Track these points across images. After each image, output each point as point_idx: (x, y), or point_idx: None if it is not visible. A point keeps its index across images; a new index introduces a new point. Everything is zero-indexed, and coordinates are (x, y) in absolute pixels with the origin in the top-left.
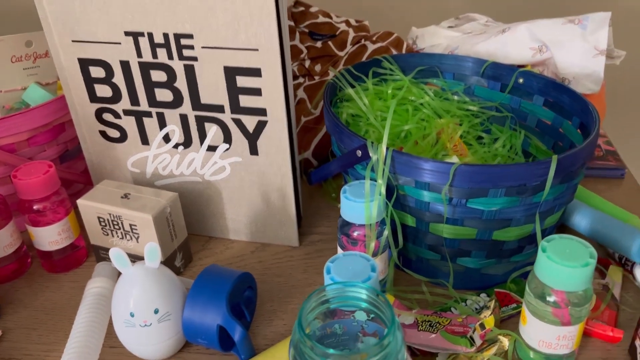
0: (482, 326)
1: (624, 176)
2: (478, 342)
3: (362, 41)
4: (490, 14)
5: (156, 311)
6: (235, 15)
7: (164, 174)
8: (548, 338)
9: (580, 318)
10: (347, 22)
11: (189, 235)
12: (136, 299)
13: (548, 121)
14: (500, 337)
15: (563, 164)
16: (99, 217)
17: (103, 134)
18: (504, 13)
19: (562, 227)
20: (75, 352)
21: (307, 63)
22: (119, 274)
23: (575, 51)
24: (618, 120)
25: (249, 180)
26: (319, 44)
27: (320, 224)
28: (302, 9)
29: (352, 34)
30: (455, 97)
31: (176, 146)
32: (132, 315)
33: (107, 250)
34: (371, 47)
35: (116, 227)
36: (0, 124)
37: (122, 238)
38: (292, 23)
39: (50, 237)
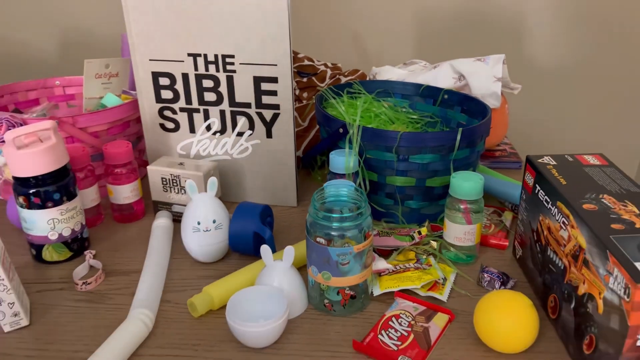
0: (419, 232)
1: (521, 167)
2: (416, 239)
3: (337, 76)
4: (427, 59)
5: (214, 221)
6: (263, 42)
7: (204, 154)
8: (459, 234)
9: (477, 220)
10: (325, 65)
11: None
12: (202, 213)
13: (463, 122)
14: (431, 241)
15: (465, 133)
16: (162, 178)
17: (162, 125)
18: (435, 57)
19: None
20: (155, 259)
21: (297, 92)
22: (173, 218)
23: (482, 79)
24: (520, 134)
25: (264, 157)
26: (305, 79)
27: (310, 195)
28: (292, 55)
29: (329, 72)
30: (403, 110)
31: (214, 133)
32: (198, 223)
33: (165, 204)
34: (343, 79)
35: (174, 184)
36: (92, 117)
37: (178, 193)
38: None
39: (125, 193)
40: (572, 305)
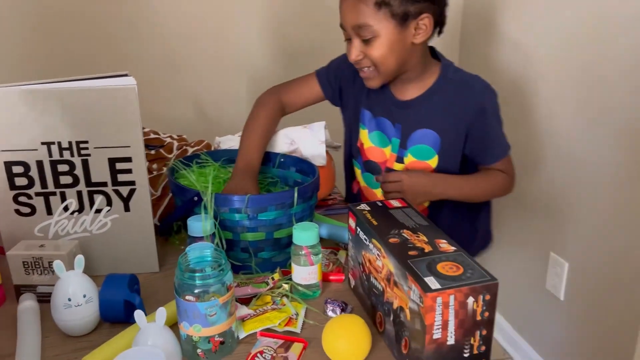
0: (273, 278)
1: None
2: (271, 284)
3: (184, 147)
4: None
5: (84, 296)
6: (117, 127)
7: (62, 234)
8: (304, 275)
9: (317, 261)
10: (171, 136)
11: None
12: (72, 290)
13: (299, 179)
14: (283, 284)
15: (301, 191)
16: (23, 262)
17: (17, 211)
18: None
19: None
20: (28, 341)
21: (147, 164)
22: (38, 299)
23: (309, 143)
24: None
25: (124, 229)
26: (152, 152)
27: (170, 259)
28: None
29: (176, 143)
30: None
31: (72, 213)
32: (69, 300)
33: (29, 286)
34: (190, 150)
35: (37, 266)
36: None
37: (41, 274)
38: None
39: None
40: (391, 318)
